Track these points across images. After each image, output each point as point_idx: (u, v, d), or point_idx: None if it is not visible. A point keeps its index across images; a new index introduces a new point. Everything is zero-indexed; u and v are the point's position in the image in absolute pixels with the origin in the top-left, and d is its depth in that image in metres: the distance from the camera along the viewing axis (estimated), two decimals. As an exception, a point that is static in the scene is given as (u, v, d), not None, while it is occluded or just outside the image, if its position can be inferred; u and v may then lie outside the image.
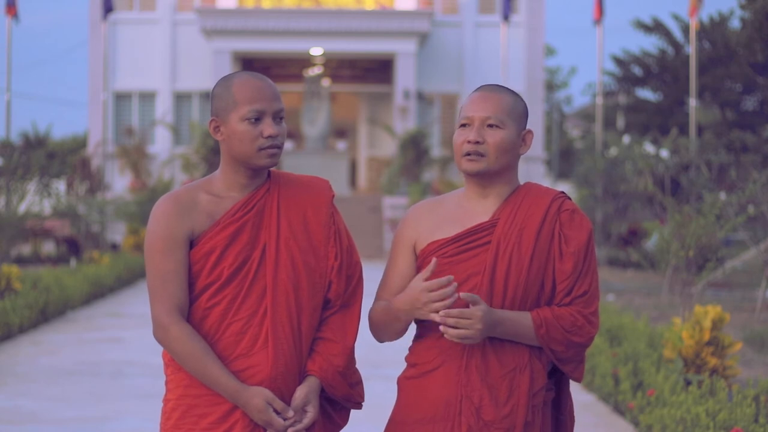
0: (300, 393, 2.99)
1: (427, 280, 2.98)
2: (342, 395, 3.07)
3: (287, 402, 2.99)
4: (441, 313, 2.95)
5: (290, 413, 2.96)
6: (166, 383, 3.09)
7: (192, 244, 3.01)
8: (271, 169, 3.12)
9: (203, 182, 3.09)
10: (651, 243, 20.16)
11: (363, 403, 3.17)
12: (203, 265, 3.00)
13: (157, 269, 2.98)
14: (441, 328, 2.96)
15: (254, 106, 2.99)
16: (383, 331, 3.15)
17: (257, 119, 3.00)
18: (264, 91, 3.01)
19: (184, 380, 3.01)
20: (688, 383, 7.07)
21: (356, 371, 3.12)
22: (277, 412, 2.95)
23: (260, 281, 3.01)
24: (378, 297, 3.18)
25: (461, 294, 2.93)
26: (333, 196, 3.14)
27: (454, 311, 2.92)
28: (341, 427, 3.14)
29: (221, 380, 2.93)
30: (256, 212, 3.04)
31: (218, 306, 2.99)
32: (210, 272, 3.00)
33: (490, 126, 3.08)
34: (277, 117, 3.02)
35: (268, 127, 3.00)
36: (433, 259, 2.99)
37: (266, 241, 3.03)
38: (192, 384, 3.00)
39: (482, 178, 3.10)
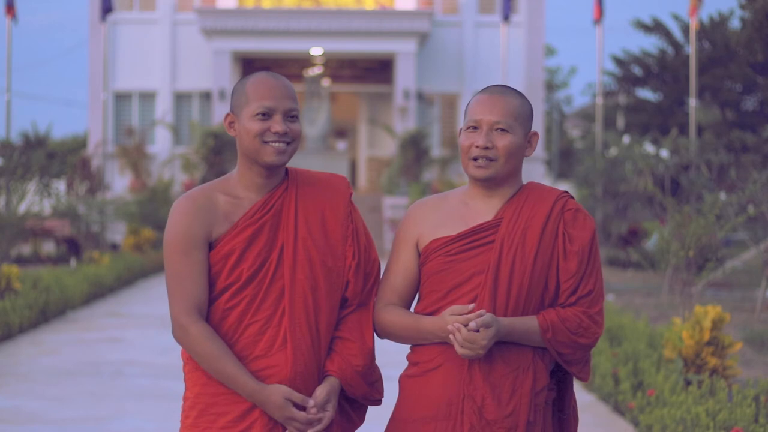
0: (321, 392, 3.00)
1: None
2: (361, 394, 3.09)
3: None
4: (451, 327, 2.95)
5: (311, 403, 2.97)
6: (185, 381, 3.11)
7: (211, 245, 3.02)
8: (289, 167, 3.14)
9: (220, 182, 3.10)
10: (651, 243, 20.15)
11: (382, 400, 3.17)
12: (222, 266, 3.01)
13: (176, 269, 3.00)
14: (450, 337, 2.97)
15: (264, 102, 3.02)
16: (400, 341, 3.15)
17: (265, 115, 3.02)
18: (276, 89, 3.04)
19: (201, 378, 3.03)
20: (688, 383, 7.07)
21: (376, 368, 3.13)
22: (298, 406, 2.97)
23: (278, 282, 3.02)
24: (381, 296, 3.17)
25: (472, 323, 2.92)
26: (351, 193, 3.16)
27: (464, 333, 2.92)
28: (358, 425, 3.16)
29: (239, 380, 2.95)
30: (274, 213, 3.05)
31: (237, 307, 3.01)
32: (229, 274, 3.01)
33: (498, 130, 3.07)
34: (289, 116, 3.05)
35: (276, 124, 3.02)
36: (471, 305, 2.98)
37: (284, 242, 3.04)
38: (209, 382, 3.01)
39: (490, 182, 3.10)
